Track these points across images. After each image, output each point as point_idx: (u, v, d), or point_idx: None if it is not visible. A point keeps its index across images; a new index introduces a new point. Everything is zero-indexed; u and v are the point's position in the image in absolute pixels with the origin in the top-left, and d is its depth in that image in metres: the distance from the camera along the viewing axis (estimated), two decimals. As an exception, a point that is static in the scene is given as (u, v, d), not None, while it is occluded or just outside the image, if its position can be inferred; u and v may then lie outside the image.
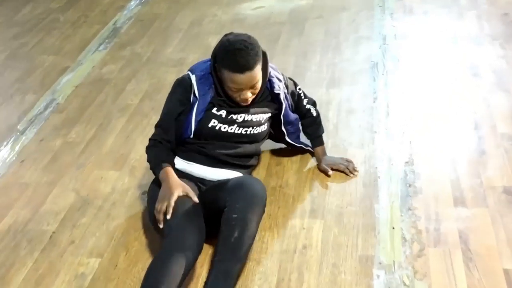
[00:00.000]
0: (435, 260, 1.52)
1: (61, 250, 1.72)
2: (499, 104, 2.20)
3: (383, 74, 2.48)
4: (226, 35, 1.66)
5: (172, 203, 1.49)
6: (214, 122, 1.69)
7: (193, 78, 1.69)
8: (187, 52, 2.97)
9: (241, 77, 1.57)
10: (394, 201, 1.75)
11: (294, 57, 2.78)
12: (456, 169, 1.87)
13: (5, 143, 2.36)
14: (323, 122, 1.98)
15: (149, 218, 1.66)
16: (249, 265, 1.56)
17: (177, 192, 1.52)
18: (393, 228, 1.64)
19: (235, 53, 1.56)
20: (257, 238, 1.57)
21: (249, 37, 1.63)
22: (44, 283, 1.60)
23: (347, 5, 3.24)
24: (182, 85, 1.72)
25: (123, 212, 1.87)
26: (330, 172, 1.88)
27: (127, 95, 2.62)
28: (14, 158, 2.25)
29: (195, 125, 1.68)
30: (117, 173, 2.07)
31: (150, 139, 1.74)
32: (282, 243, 1.64)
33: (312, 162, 1.99)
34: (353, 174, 1.88)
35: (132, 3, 3.75)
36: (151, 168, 1.71)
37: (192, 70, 1.75)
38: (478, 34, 2.76)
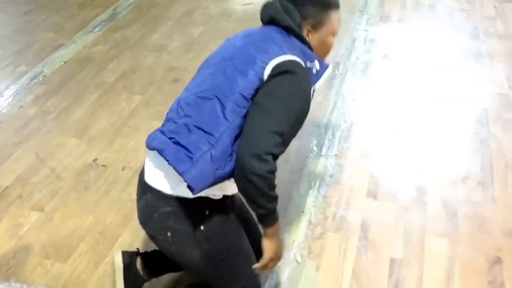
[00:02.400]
0: (331, 243, 1.59)
1: (9, 202, 1.88)
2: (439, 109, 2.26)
3: (341, 73, 2.54)
4: (280, 1, 1.29)
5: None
6: None
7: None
8: (170, 40, 3.09)
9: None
10: (312, 189, 1.83)
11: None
12: (378, 165, 1.93)
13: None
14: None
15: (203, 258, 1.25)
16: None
17: None
18: (303, 212, 1.72)
19: None
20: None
21: None
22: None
23: (329, 7, 3.29)
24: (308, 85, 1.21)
25: (71, 175, 2.01)
26: None
27: (106, 73, 2.75)
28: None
29: None
30: (77, 141, 2.22)
31: (272, 154, 1.08)
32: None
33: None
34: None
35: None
36: (273, 208, 1.15)
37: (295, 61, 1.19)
38: (448, 47, 2.79)
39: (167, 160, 1.12)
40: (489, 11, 3.14)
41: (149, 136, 1.22)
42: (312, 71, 1.20)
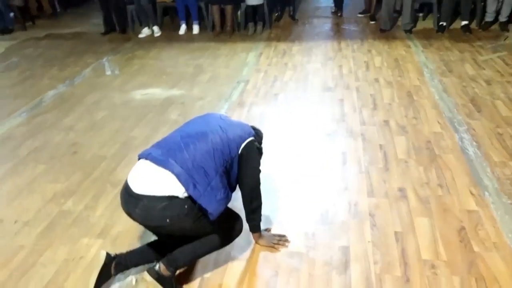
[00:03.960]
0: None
1: None
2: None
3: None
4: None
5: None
6: None
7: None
8: (76, 122, 3.95)
9: None
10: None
11: (148, 129, 3.72)
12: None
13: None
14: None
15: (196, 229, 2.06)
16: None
17: None
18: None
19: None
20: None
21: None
22: None
23: (203, 96, 4.30)
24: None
25: None
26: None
27: (21, 149, 3.55)
28: None
29: None
30: (-14, 198, 2.92)
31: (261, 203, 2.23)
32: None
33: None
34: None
35: (61, 85, 4.84)
36: (260, 222, 2.28)
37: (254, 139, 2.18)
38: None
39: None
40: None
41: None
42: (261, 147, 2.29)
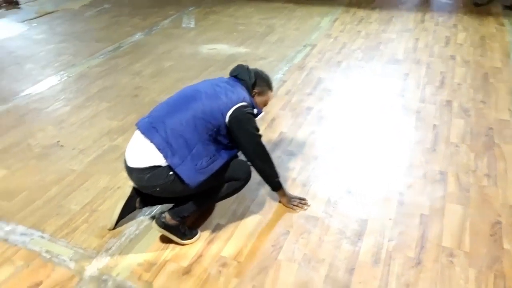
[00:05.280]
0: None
1: (0, 154, 2.94)
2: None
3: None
4: (248, 68, 2.22)
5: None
6: None
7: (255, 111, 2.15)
8: (144, 68, 4.20)
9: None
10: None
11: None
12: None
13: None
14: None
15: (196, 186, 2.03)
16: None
17: None
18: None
19: (270, 80, 2.31)
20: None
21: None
22: None
23: (266, 56, 4.30)
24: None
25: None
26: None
27: (92, 86, 3.87)
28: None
29: None
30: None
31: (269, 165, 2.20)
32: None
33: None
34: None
35: (140, 33, 5.15)
36: (277, 181, 2.27)
37: (247, 104, 2.10)
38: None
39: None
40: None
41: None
42: (254, 111, 2.15)
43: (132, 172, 2.06)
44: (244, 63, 2.31)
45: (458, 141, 2.87)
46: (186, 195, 2.13)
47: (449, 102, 3.34)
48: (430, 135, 2.96)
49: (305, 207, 2.38)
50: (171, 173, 1.99)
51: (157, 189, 2.04)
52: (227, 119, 2.03)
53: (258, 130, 2.12)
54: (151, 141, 1.99)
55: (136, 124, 2.11)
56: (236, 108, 2.04)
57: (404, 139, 2.94)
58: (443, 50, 4.28)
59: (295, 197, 2.41)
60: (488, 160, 2.68)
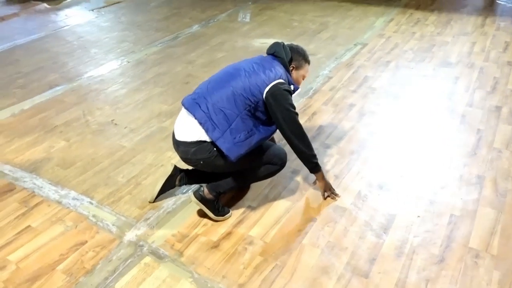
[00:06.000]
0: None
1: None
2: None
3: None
4: (284, 45, 2.29)
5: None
6: None
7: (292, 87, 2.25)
8: (198, 57, 4.40)
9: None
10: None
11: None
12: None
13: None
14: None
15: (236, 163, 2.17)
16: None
17: None
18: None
19: (306, 53, 2.38)
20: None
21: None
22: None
23: (316, 52, 4.34)
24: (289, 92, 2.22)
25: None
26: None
27: (148, 72, 4.13)
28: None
29: None
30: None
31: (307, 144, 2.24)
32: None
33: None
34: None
35: (197, 25, 5.38)
36: (315, 162, 2.30)
37: (284, 81, 2.20)
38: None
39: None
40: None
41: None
42: (291, 88, 2.26)
43: (179, 145, 2.22)
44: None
45: (502, 147, 2.80)
46: (226, 171, 2.28)
47: (498, 108, 3.23)
48: (473, 138, 2.89)
49: (336, 198, 2.44)
50: (214, 149, 2.14)
51: (201, 162, 2.19)
52: (264, 95, 2.14)
53: (294, 107, 2.20)
54: (194, 116, 2.14)
55: (182, 101, 2.26)
56: (273, 85, 2.14)
57: (445, 141, 2.90)
58: (501, 55, 4.12)
59: (331, 188, 2.45)
60: (532, 168, 2.61)
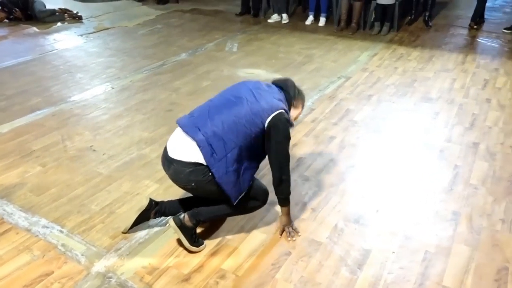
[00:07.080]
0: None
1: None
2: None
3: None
4: (286, 80, 2.38)
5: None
6: None
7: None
8: (183, 85, 4.42)
9: None
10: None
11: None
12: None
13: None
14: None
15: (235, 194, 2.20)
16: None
17: None
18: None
19: (305, 97, 2.45)
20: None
21: None
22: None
23: (301, 84, 4.28)
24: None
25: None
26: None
27: (132, 99, 4.12)
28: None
29: None
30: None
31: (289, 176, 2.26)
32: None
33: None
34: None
35: (184, 54, 5.42)
36: (288, 196, 2.30)
37: (285, 112, 2.19)
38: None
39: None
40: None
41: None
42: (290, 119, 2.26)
43: (172, 162, 2.19)
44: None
45: (478, 183, 2.81)
46: (212, 198, 2.27)
47: (476, 144, 3.27)
48: (449, 174, 2.91)
49: (295, 237, 2.38)
50: (210, 173, 2.13)
51: (193, 184, 2.17)
52: (266, 124, 2.14)
53: (289, 138, 2.21)
54: (193, 139, 2.13)
55: (177, 121, 2.26)
56: (276, 115, 2.14)
57: (423, 176, 2.91)
58: (480, 92, 4.21)
59: (293, 225, 2.42)
60: (507, 205, 2.61)
